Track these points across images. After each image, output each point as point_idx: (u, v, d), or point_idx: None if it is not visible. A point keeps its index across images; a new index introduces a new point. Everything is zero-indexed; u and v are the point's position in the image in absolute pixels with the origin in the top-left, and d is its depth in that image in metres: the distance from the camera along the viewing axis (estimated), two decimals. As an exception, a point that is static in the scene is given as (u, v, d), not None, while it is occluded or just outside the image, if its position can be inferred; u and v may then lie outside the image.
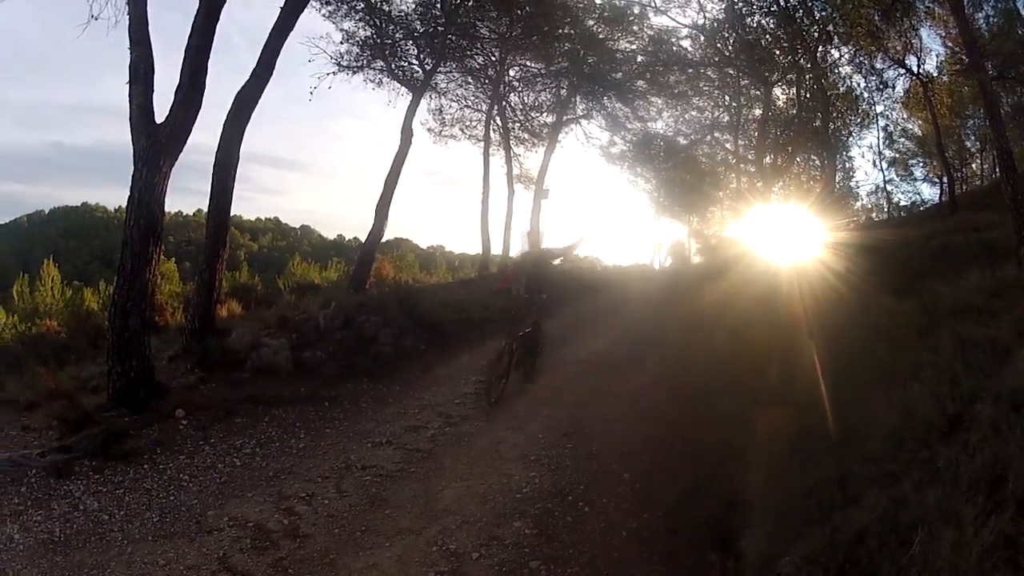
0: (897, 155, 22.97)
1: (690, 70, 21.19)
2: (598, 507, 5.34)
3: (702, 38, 20.40)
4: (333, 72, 17.09)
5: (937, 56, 19.01)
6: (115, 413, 6.99)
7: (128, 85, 7.61)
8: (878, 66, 19.34)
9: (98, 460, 6.13)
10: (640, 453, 6.21)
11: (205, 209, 9.80)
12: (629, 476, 5.80)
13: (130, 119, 7.59)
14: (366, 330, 9.39)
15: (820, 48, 18.33)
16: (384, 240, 15.98)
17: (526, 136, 23.11)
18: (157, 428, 6.81)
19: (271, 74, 9.57)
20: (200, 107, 7.93)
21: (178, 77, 7.85)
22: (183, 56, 7.89)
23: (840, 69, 19.63)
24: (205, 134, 9.65)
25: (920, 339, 5.75)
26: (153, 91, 7.69)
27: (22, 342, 12.03)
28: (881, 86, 20.00)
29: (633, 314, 8.58)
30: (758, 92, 20.69)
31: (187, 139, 7.84)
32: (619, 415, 7.28)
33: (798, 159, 21.36)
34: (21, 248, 51.71)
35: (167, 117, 7.67)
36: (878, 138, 22.43)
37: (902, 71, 18.93)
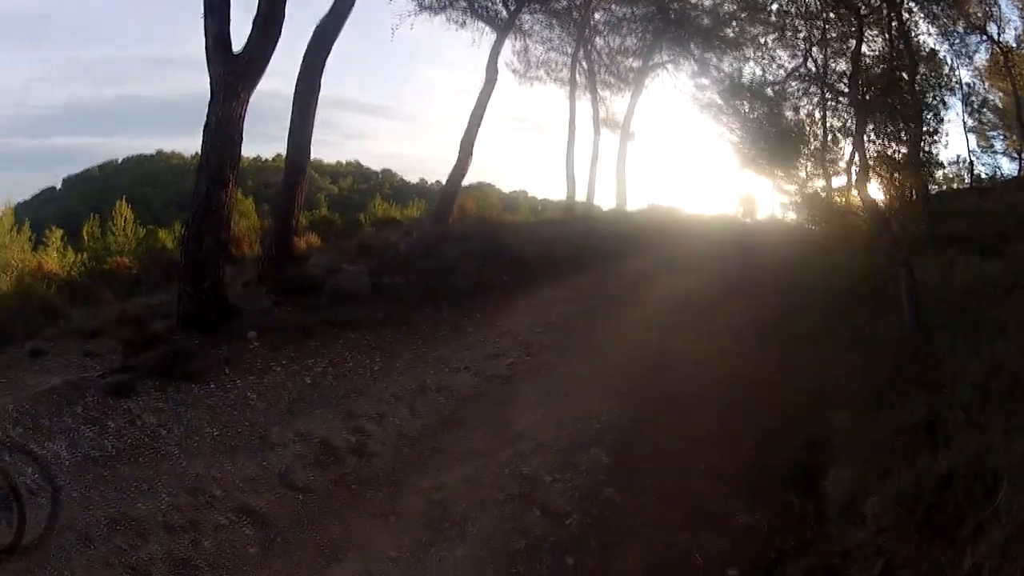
0: (978, 125, 21.87)
1: (776, 19, 20.28)
2: (678, 440, 5.10)
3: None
4: (414, 12, 16.52)
5: (1015, 28, 17.96)
6: (184, 335, 6.96)
7: (203, 18, 7.59)
8: (960, 30, 18.37)
9: (161, 379, 5.93)
10: (722, 389, 5.92)
11: (284, 152, 9.86)
12: (711, 412, 5.53)
13: (206, 49, 7.58)
14: (448, 259, 9.39)
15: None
16: (467, 183, 15.77)
17: (612, 80, 22.33)
18: (226, 348, 6.72)
19: (352, 5, 9.54)
20: (279, 36, 7.88)
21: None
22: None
23: (924, 30, 18.67)
24: (287, 82, 9.81)
25: (1006, 296, 5.84)
26: (229, 23, 7.63)
27: (90, 277, 11.68)
28: (964, 49, 19.02)
29: (722, 258, 8.32)
30: (846, 45, 19.82)
31: (265, 67, 7.82)
32: (703, 352, 6.96)
33: (887, 124, 20.43)
34: (91, 197, 52.72)
35: (244, 46, 7.64)
36: (961, 106, 21.35)
37: (984, 38, 17.94)
